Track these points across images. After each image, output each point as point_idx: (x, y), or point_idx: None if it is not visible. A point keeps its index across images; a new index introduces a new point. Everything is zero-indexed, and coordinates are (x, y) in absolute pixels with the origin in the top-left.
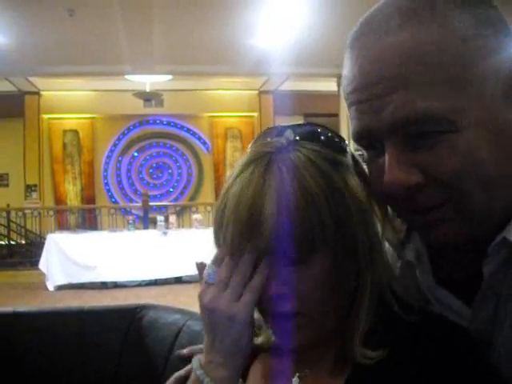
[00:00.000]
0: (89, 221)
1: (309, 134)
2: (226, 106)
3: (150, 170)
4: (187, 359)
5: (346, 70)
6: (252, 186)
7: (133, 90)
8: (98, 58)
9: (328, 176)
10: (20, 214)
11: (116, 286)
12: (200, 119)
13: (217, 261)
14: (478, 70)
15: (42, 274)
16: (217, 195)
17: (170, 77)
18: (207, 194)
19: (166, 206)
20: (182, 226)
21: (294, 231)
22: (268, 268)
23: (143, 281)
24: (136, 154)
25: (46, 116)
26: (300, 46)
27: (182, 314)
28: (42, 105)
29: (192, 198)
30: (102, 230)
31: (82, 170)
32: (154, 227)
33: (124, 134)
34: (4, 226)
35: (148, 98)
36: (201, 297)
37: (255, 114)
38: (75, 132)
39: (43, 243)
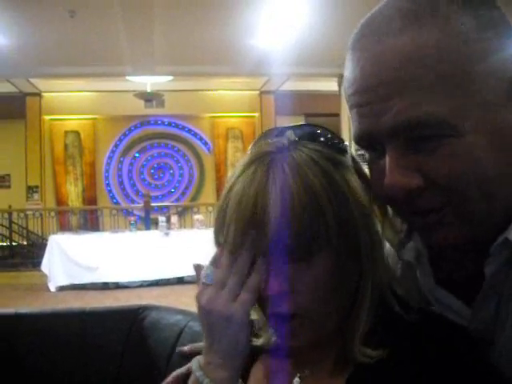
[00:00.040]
0: (90, 222)
1: (309, 135)
2: (227, 106)
3: (152, 171)
4: (188, 356)
5: (348, 72)
6: (254, 185)
7: (134, 91)
8: (99, 58)
9: (330, 175)
10: (22, 215)
11: (118, 286)
12: (201, 120)
13: (215, 261)
14: (479, 74)
15: (44, 275)
16: (218, 195)
17: (170, 77)
18: (209, 195)
19: (167, 207)
20: (184, 227)
21: (298, 230)
22: (265, 267)
23: (145, 281)
24: (137, 155)
25: (47, 117)
26: (301, 45)
27: (183, 315)
28: (43, 106)
29: (193, 199)
30: (103, 230)
31: (83, 171)
32: (156, 228)
33: (125, 135)
34: (6, 227)
35: (149, 98)
36: (198, 298)
37: (256, 115)
38: (76, 133)
39: (45, 244)
